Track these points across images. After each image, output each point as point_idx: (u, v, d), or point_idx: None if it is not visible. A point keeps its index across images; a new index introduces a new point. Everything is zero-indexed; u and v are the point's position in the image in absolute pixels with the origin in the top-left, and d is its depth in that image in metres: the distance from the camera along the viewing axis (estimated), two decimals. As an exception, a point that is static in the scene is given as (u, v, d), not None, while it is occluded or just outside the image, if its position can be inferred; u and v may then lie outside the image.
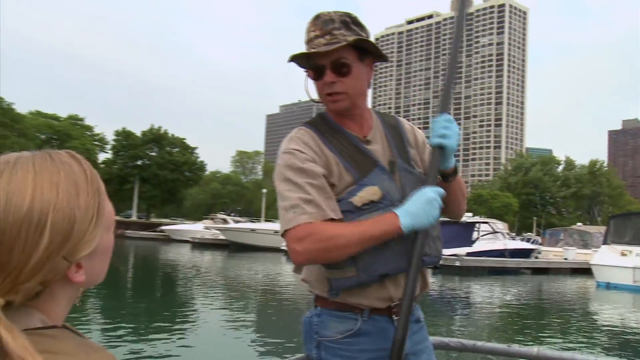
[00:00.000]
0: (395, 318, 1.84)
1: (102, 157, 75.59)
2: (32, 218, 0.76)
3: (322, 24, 1.81)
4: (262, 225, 46.51)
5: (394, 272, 1.82)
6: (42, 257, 0.76)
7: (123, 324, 11.54)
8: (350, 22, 1.83)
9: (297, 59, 1.85)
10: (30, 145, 61.44)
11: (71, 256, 0.80)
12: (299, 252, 1.72)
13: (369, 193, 1.80)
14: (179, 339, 10.33)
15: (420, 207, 1.71)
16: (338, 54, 1.79)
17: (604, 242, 25.89)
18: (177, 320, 12.54)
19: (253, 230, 43.71)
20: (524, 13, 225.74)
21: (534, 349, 2.01)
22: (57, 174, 0.80)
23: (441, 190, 1.76)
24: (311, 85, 1.91)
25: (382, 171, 1.86)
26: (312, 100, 1.94)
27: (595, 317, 16.87)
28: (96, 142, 75.37)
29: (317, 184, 1.77)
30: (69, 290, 0.85)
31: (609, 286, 23.56)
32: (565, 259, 35.42)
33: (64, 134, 68.45)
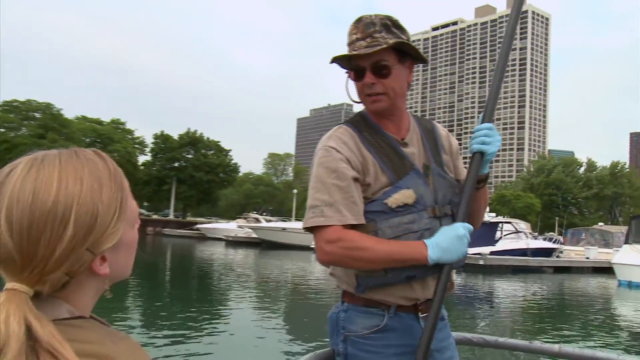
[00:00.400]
0: (421, 315, 1.84)
1: (141, 159, 76.65)
2: (57, 211, 0.76)
3: (363, 26, 1.79)
4: (293, 224, 46.51)
5: (421, 276, 1.81)
6: (67, 248, 0.77)
7: (158, 316, 11.69)
8: (391, 25, 1.81)
9: (338, 60, 1.84)
10: (76, 148, 62.52)
11: (95, 248, 0.80)
12: (326, 252, 1.74)
13: (403, 196, 1.78)
14: (211, 331, 10.40)
15: (450, 242, 1.70)
16: (378, 56, 1.78)
17: (626, 242, 25.57)
18: (209, 313, 12.62)
19: (284, 229, 43.75)
20: (546, 19, 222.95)
21: (555, 346, 1.97)
22: (82, 170, 0.81)
23: (470, 227, 1.75)
24: (351, 85, 1.89)
25: (417, 175, 1.84)
26: (352, 100, 1.91)
27: (617, 315, 16.57)
28: (136, 145, 76.27)
29: (344, 186, 1.75)
30: (95, 282, 0.85)
31: (630, 285, 23.20)
32: (587, 258, 34.86)
33: (107, 138, 69.49)
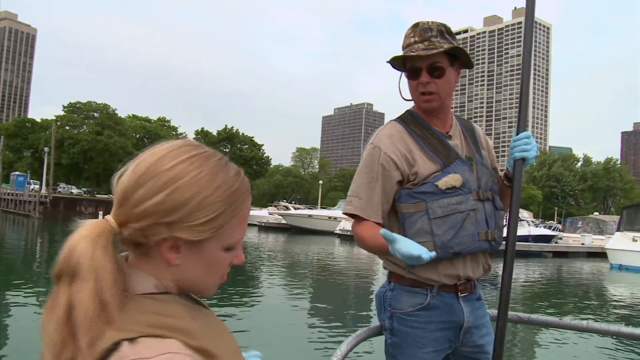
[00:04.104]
0: (461, 295, 1.85)
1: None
2: (163, 176, 0.78)
3: (421, 31, 1.79)
4: (318, 211, 46.61)
5: (467, 251, 1.81)
6: (150, 207, 0.77)
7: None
8: (445, 31, 1.81)
9: (394, 61, 1.85)
10: (128, 143, 63.60)
11: (171, 227, 0.78)
12: (354, 236, 1.87)
13: (452, 179, 1.79)
14: (250, 310, 10.23)
15: (403, 252, 1.56)
16: (434, 58, 1.78)
17: (618, 230, 25.87)
18: (247, 293, 12.57)
19: (310, 216, 43.79)
20: (548, 29, 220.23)
21: (584, 322, 1.95)
22: (211, 168, 0.82)
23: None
24: (403, 85, 1.89)
25: (462, 162, 1.85)
26: (403, 98, 1.92)
27: (612, 293, 16.67)
28: (180, 140, 76.61)
29: (378, 185, 1.80)
30: (170, 267, 0.82)
31: (621, 268, 23.56)
32: (583, 244, 34.79)
33: (154, 134, 70.16)
